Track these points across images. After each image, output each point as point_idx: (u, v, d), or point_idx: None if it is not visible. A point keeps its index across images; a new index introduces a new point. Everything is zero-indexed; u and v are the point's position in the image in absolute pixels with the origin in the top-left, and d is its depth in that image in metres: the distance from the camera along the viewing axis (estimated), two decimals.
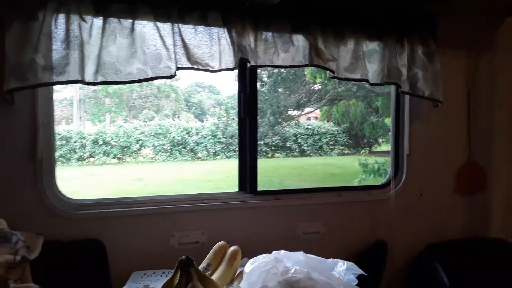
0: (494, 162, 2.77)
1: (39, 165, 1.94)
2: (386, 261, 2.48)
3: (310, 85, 9.98)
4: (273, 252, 1.72)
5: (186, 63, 1.95)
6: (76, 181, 7.60)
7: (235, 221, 2.29)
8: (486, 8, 2.56)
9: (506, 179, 2.80)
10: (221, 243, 1.82)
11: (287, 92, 10.05)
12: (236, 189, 2.41)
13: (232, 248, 1.81)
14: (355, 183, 6.28)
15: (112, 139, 8.85)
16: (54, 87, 2.01)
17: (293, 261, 1.65)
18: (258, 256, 1.69)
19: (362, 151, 10.15)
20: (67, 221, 2.00)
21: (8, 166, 1.90)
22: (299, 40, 2.17)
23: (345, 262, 1.76)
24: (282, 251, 1.72)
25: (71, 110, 9.40)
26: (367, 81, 2.30)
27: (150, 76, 1.89)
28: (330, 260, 1.79)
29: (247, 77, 2.32)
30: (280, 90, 10.01)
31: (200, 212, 2.24)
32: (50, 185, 1.98)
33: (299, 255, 1.70)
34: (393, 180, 2.62)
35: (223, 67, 2.03)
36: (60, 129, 8.55)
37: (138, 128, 9.20)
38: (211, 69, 2.00)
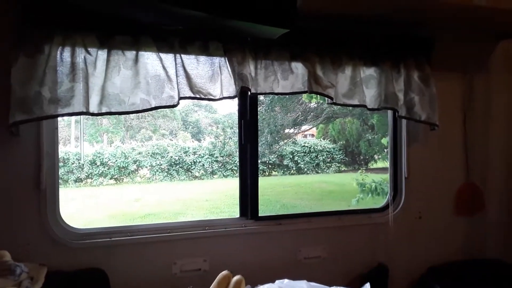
0: (492, 182, 2.81)
1: (43, 194, 1.95)
2: (388, 286, 2.49)
3: (307, 103, 10.07)
4: (276, 281, 1.73)
5: (188, 93, 1.99)
6: (74, 203, 7.56)
7: (237, 248, 2.30)
8: (480, 32, 2.63)
9: (504, 199, 2.83)
10: (224, 272, 1.82)
11: (284, 111, 10.12)
12: (237, 215, 2.43)
13: (236, 277, 1.81)
14: (353, 202, 6.30)
15: (110, 160, 8.84)
16: None
17: None
18: (262, 286, 1.70)
19: (359, 170, 10.19)
20: (70, 250, 2.00)
21: (12, 197, 1.91)
22: (298, 67, 2.22)
23: None
24: (286, 280, 1.74)
25: (69, 131, 9.41)
26: (365, 106, 2.34)
27: (153, 106, 1.92)
28: None
29: (248, 104, 2.35)
30: (276, 109, 10.08)
31: (202, 239, 2.24)
32: (53, 214, 1.99)
33: (302, 284, 1.71)
34: (391, 203, 2.64)
35: (225, 95, 2.07)
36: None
37: (135, 148, 9.20)
38: (212, 98, 2.05)
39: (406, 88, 2.41)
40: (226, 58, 2.07)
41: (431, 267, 2.56)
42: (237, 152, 2.46)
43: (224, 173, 9.69)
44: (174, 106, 1.96)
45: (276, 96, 9.46)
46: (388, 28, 2.41)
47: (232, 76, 2.07)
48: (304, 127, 10.97)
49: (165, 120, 10.90)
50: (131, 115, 9.70)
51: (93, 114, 1.82)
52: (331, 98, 2.26)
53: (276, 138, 10.15)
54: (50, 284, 1.74)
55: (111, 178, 8.92)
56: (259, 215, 2.40)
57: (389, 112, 2.69)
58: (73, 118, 9.23)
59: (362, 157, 11.08)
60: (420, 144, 2.64)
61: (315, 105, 10.16)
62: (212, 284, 1.77)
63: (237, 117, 2.40)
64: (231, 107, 10.77)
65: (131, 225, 2.20)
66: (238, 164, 2.46)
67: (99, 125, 10.01)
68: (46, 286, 1.71)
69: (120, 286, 2.04)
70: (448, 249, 2.68)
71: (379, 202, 6.41)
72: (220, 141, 9.97)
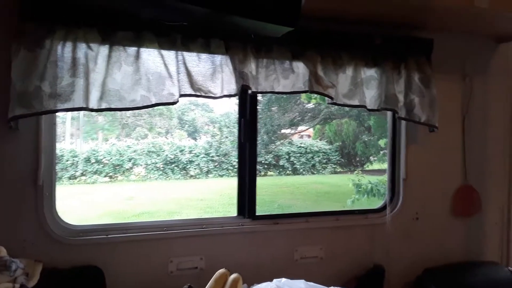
0: (489, 185, 2.82)
1: (40, 190, 1.93)
2: (383, 287, 2.49)
3: (304, 104, 10.07)
4: (274, 280, 1.73)
5: (189, 90, 1.98)
6: (68, 201, 7.51)
7: (233, 246, 2.29)
8: (479, 34, 2.66)
9: (500, 202, 2.85)
10: (221, 271, 1.82)
11: (281, 111, 10.12)
12: (235, 214, 2.42)
13: (233, 276, 1.80)
14: (349, 202, 6.31)
15: (104, 158, 8.79)
16: None
17: None
18: (259, 285, 1.70)
19: (356, 171, 10.21)
20: (66, 247, 1.98)
21: (9, 192, 1.89)
22: (299, 67, 2.22)
23: None
24: (283, 279, 1.73)
25: (63, 128, 9.35)
26: (365, 107, 2.35)
27: (153, 103, 1.91)
28: None
29: (248, 103, 2.35)
30: (274, 109, 10.08)
31: (199, 237, 2.23)
32: (50, 210, 1.97)
33: (301, 284, 1.71)
34: (389, 204, 2.64)
35: (225, 93, 2.06)
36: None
37: (130, 146, 9.16)
38: (213, 95, 2.04)
39: (406, 90, 2.41)
40: (227, 56, 2.06)
41: (427, 268, 2.56)
42: (234, 152, 2.45)
43: (220, 173, 9.66)
44: (174, 103, 1.95)
45: (273, 96, 9.48)
46: (389, 29, 2.42)
47: (233, 74, 2.06)
48: (300, 128, 10.99)
49: (161, 118, 10.86)
50: (127, 112, 9.67)
51: (93, 110, 1.80)
52: (332, 98, 2.26)
53: (273, 138, 10.15)
54: (45, 280, 1.72)
55: (105, 176, 8.88)
56: (256, 214, 2.39)
57: (389, 113, 2.70)
58: (69, 115, 9.18)
59: (358, 159, 11.11)
60: (418, 146, 2.64)
61: (313, 106, 10.18)
62: (209, 282, 1.77)
63: (233, 117, 2.39)
64: (228, 107, 10.75)
65: (128, 222, 2.19)
66: (234, 163, 2.46)
67: (94, 123, 9.95)
68: (41, 283, 1.70)
69: (115, 283, 2.02)
70: (445, 250, 2.69)
71: (375, 203, 6.43)
72: (216, 141, 9.95)
